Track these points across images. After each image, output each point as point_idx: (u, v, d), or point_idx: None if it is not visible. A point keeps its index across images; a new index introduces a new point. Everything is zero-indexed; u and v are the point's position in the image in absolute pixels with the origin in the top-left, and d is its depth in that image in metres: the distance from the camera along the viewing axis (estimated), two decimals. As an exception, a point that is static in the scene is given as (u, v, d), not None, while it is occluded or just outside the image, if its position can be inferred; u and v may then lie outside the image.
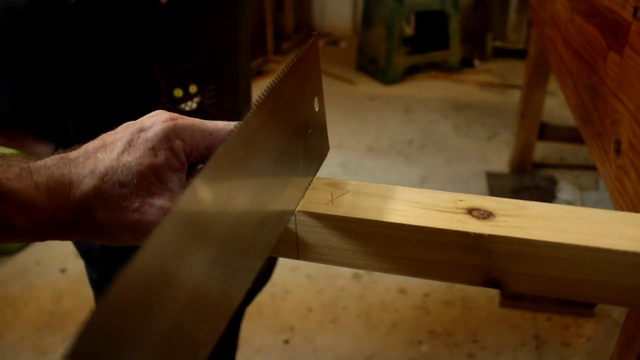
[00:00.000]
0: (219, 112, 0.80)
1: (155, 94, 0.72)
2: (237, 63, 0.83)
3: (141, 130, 0.35)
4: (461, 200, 0.38)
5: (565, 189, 2.28)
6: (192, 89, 0.75)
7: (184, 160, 0.36)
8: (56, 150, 0.77)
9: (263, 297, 1.77)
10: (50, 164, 0.35)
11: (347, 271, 1.89)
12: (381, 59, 3.74)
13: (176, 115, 0.37)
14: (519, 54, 4.04)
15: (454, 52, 3.88)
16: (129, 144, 0.34)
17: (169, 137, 0.35)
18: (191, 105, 0.76)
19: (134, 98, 0.72)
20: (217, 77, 0.78)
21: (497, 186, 2.35)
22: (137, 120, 0.37)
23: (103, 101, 0.70)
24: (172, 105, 0.74)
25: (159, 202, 0.34)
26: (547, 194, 2.25)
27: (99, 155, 0.34)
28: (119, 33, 0.68)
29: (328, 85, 3.74)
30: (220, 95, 0.79)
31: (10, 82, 0.67)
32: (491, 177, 2.44)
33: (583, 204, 2.16)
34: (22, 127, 0.78)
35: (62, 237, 0.36)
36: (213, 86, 0.78)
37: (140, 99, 0.72)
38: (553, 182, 2.35)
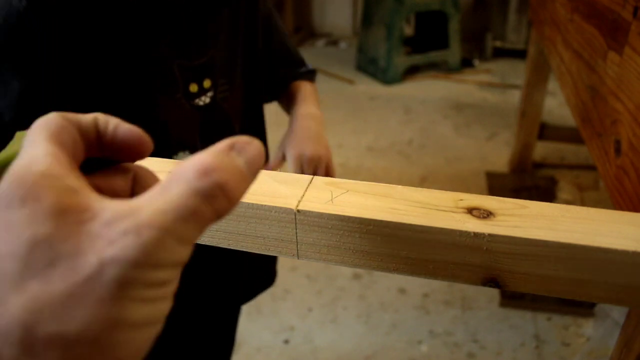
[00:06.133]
0: (230, 107, 0.81)
1: (173, 90, 0.73)
2: (247, 60, 0.84)
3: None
4: (461, 200, 0.38)
5: (565, 189, 2.27)
6: (206, 83, 0.76)
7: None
8: None
9: (263, 296, 1.77)
10: None
11: (347, 271, 1.89)
12: (381, 59, 3.74)
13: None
14: (519, 54, 4.05)
15: (454, 52, 3.88)
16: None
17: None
18: (205, 100, 0.77)
19: (154, 95, 0.72)
20: (228, 71, 0.79)
21: (497, 186, 2.35)
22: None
23: (124, 100, 0.70)
24: (187, 101, 0.75)
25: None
26: (547, 194, 2.25)
27: None
28: (142, 31, 0.69)
29: (328, 85, 3.73)
30: (232, 90, 0.80)
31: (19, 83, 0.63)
32: (491, 177, 2.44)
33: (583, 204, 2.16)
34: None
35: None
36: (225, 80, 0.79)
37: (159, 95, 0.72)
38: (553, 182, 2.35)
